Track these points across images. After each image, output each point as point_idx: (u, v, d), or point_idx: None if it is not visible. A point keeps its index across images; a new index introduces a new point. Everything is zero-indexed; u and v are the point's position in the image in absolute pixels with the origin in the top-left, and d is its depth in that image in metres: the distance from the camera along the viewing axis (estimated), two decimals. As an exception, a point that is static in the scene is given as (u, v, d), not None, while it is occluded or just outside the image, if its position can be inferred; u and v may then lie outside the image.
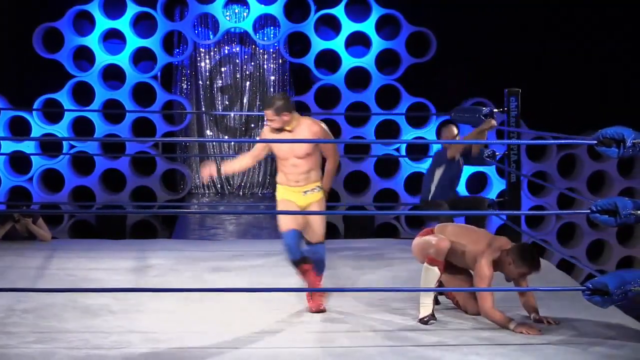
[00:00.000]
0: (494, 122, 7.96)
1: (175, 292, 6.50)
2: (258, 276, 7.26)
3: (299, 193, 6.06)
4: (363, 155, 10.22)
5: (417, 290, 6.31)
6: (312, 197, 6.07)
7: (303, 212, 6.05)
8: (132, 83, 10.15)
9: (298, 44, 10.70)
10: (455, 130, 8.16)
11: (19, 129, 10.01)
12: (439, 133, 8.02)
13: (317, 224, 6.06)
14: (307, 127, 5.96)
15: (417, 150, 10.32)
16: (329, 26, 10.45)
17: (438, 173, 8.06)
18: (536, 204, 10.13)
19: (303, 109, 10.45)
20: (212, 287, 6.74)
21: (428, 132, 10.14)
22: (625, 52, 10.42)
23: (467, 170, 10.08)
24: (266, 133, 6.07)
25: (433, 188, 8.09)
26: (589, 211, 5.18)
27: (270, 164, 11.87)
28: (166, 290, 6.54)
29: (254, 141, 6.50)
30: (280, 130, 5.95)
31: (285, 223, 5.98)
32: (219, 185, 11.87)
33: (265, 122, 6.01)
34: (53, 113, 10.06)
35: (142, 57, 10.38)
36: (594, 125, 6.10)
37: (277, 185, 6.18)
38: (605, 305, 5.23)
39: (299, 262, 6.08)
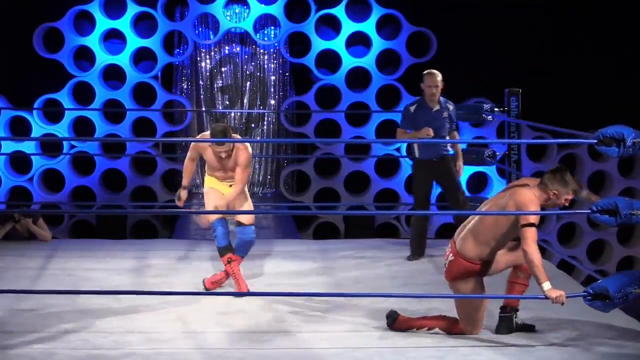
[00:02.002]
0: (430, 132, 7.66)
1: (176, 295, 6.50)
2: (258, 276, 7.26)
3: (224, 185, 6.70)
4: (363, 155, 10.21)
5: (417, 297, 6.33)
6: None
7: (301, 212, 6.15)
8: (133, 83, 10.15)
9: (298, 44, 10.69)
10: (439, 77, 7.82)
11: (19, 129, 10.00)
12: (422, 80, 7.88)
13: (245, 207, 6.70)
14: (243, 150, 6.55)
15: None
16: (330, 26, 10.44)
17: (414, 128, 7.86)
18: (536, 204, 10.10)
19: (304, 109, 10.45)
20: (212, 291, 6.73)
21: (428, 132, 10.12)
22: (626, 52, 10.41)
23: (468, 170, 10.08)
24: (202, 144, 6.60)
25: (415, 146, 7.92)
26: (589, 211, 5.18)
27: (270, 164, 11.86)
28: (166, 293, 6.54)
29: (253, 141, 6.60)
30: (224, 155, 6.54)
31: (214, 214, 6.55)
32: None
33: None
34: (53, 113, 10.06)
35: (142, 57, 10.37)
36: (595, 125, 6.09)
37: (206, 177, 6.78)
38: (606, 309, 5.23)
39: (226, 249, 6.56)
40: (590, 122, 7.94)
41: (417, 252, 8.03)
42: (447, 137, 7.94)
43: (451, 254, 5.46)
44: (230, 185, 6.69)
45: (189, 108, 10.80)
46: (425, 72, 7.97)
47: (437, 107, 7.88)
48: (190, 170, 6.82)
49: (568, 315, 5.84)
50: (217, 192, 6.69)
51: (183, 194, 6.82)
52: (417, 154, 7.91)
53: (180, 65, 11.58)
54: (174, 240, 9.36)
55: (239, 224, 6.73)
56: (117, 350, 5.22)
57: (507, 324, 5.57)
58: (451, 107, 7.98)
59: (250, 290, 6.50)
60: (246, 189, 6.86)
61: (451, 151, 8.02)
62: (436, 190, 10.10)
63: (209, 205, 6.64)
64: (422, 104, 7.88)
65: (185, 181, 6.85)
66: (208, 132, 6.69)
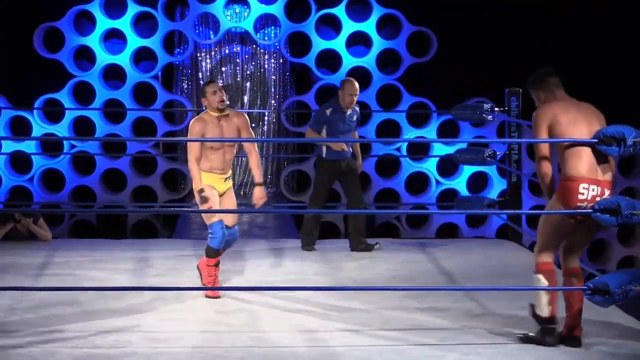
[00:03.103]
0: (344, 147, 8.14)
1: (175, 290, 6.51)
2: (258, 275, 7.27)
3: (220, 180, 6.51)
4: (364, 155, 10.19)
5: (418, 289, 6.33)
6: (229, 183, 6.60)
7: (297, 212, 6.13)
8: (133, 83, 10.15)
9: (299, 43, 10.69)
10: (357, 84, 8.18)
11: (19, 128, 10.01)
12: (342, 87, 8.20)
13: (233, 208, 6.66)
14: (236, 115, 6.57)
15: (418, 150, 10.31)
16: (330, 26, 10.45)
17: (324, 130, 8.21)
18: (537, 204, 10.12)
19: (304, 109, 10.46)
20: (211, 287, 6.73)
21: (429, 132, 10.13)
22: (626, 52, 10.41)
23: (468, 170, 10.08)
24: (200, 126, 6.39)
25: (324, 148, 8.22)
26: (590, 211, 5.17)
27: (271, 163, 11.86)
28: (166, 289, 6.55)
29: (252, 140, 6.55)
30: (219, 117, 6.44)
31: (217, 215, 6.39)
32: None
33: (218, 99, 6.47)
34: (54, 113, 10.07)
35: (142, 56, 10.38)
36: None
37: (201, 172, 6.50)
38: (606, 305, 5.23)
39: (219, 252, 6.50)
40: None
41: (309, 242, 8.32)
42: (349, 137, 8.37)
43: (607, 189, 5.18)
44: (225, 179, 6.51)
45: (189, 108, 10.80)
46: (345, 79, 8.32)
47: (349, 112, 8.22)
48: (195, 170, 6.40)
49: (568, 315, 5.84)
50: (213, 190, 6.46)
51: (209, 191, 6.33)
52: (324, 154, 8.26)
53: (181, 65, 11.57)
54: (174, 240, 9.35)
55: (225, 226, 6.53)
56: (117, 349, 5.22)
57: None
58: (358, 108, 8.36)
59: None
60: (233, 190, 6.70)
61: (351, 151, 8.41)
62: (437, 190, 10.14)
63: (210, 205, 6.42)
64: (337, 108, 8.20)
65: (201, 184, 6.34)
66: (202, 115, 6.52)
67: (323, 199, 8.35)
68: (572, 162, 5.12)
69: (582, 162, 5.12)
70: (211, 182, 6.50)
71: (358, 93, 8.19)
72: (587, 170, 5.12)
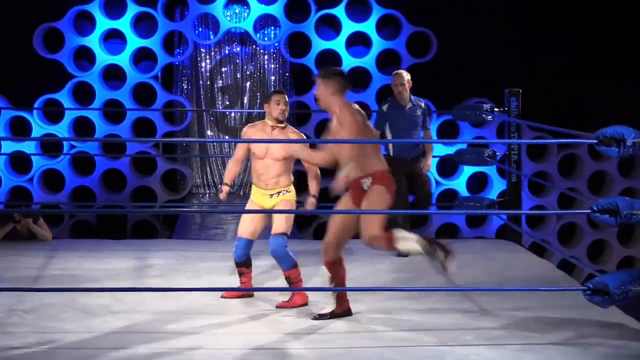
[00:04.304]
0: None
1: (175, 291, 6.51)
2: (258, 276, 7.26)
3: (265, 196, 6.41)
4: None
5: (418, 290, 6.33)
6: (277, 199, 6.43)
7: (301, 212, 6.14)
8: (133, 83, 10.15)
9: (298, 44, 10.69)
10: (404, 75, 8.11)
11: (19, 129, 10.01)
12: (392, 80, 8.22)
13: (279, 218, 6.34)
14: (293, 132, 6.41)
15: (418, 150, 10.31)
16: (330, 26, 10.45)
17: (387, 129, 8.13)
18: (537, 204, 10.14)
19: (304, 109, 10.46)
20: (211, 287, 6.73)
21: (428, 132, 10.13)
22: (625, 52, 10.41)
23: (468, 171, 10.08)
24: (250, 132, 6.39)
25: (390, 146, 8.14)
26: (589, 211, 5.18)
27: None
28: (166, 289, 6.55)
29: (253, 141, 6.52)
30: (273, 127, 6.34)
31: (242, 230, 6.38)
32: (219, 185, 11.88)
33: (274, 109, 6.36)
34: (53, 113, 10.07)
35: (142, 57, 10.38)
36: (595, 125, 6.10)
37: (252, 185, 6.52)
38: (605, 305, 5.24)
39: (241, 264, 6.49)
40: (591, 122, 7.96)
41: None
42: (422, 135, 8.28)
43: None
44: (271, 196, 6.39)
45: (189, 108, 10.80)
46: (393, 72, 8.30)
47: (409, 105, 8.14)
48: (233, 172, 6.49)
49: (568, 315, 5.85)
50: (256, 207, 6.38)
51: (224, 188, 6.42)
52: (391, 152, 8.14)
53: (180, 66, 11.57)
54: (174, 240, 9.35)
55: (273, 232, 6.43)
56: (117, 350, 5.22)
57: None
58: (423, 104, 8.27)
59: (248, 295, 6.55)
60: (294, 200, 6.56)
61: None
62: (437, 190, 10.13)
63: (242, 224, 6.39)
64: (394, 104, 8.14)
65: (227, 179, 6.47)
66: (259, 122, 6.45)
67: (406, 198, 8.10)
68: (375, 160, 5.75)
69: (380, 157, 5.79)
70: (255, 199, 6.44)
71: (405, 82, 8.06)
72: (383, 163, 5.80)
